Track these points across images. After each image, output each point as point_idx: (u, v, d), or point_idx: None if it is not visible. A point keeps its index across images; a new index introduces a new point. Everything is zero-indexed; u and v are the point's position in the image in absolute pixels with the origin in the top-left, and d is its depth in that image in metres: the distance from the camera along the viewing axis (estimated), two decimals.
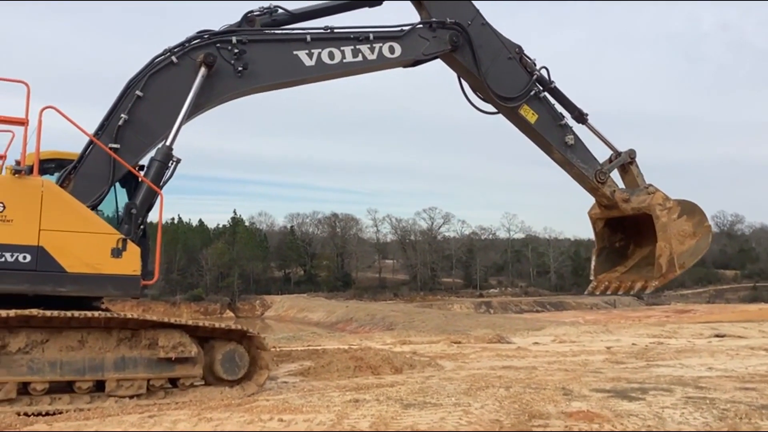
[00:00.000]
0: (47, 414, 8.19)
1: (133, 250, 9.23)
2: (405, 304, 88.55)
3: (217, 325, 9.85)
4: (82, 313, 8.62)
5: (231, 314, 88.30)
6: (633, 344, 19.66)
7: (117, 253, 9.06)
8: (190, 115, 10.20)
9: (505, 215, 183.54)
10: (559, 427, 7.64)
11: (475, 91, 12.80)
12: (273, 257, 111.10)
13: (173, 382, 9.39)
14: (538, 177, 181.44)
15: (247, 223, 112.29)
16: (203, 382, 9.65)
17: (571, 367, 14.03)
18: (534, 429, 7.48)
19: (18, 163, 9.49)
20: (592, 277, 14.00)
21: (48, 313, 8.42)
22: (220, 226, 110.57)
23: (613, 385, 10.82)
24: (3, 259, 8.47)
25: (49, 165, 9.79)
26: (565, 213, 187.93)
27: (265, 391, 9.66)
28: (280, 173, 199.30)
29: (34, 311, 8.36)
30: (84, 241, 8.91)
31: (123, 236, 9.21)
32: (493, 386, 10.32)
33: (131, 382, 8.89)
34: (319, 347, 16.33)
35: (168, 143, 10.01)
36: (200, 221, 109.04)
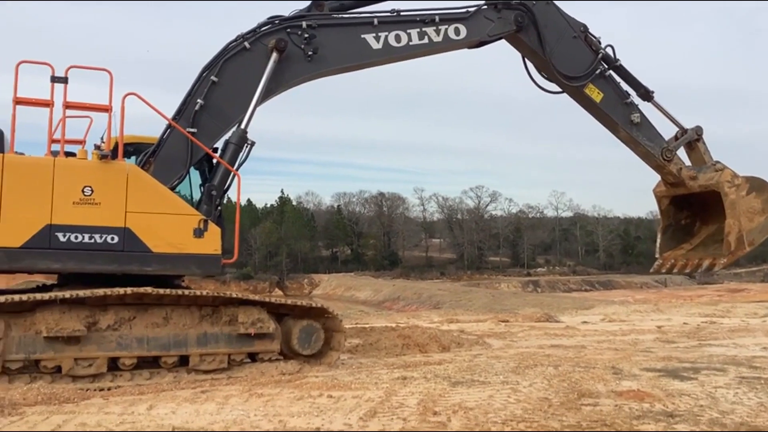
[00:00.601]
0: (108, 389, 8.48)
1: (214, 230, 9.55)
2: (452, 283, 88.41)
3: (298, 302, 10.21)
4: (192, 291, 9.23)
5: (279, 293, 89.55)
6: (684, 323, 19.35)
7: (199, 233, 9.41)
8: (262, 99, 10.43)
9: (552, 193, 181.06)
10: (609, 406, 7.57)
11: (539, 71, 12.69)
12: (320, 236, 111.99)
13: (252, 356, 9.71)
14: (587, 154, 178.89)
15: (294, 203, 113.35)
16: (281, 357, 9.94)
17: (621, 346, 13.88)
18: (584, 407, 7.43)
19: (98, 146, 9.90)
20: (657, 255, 13.79)
21: (164, 291, 8.95)
22: (268, 205, 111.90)
23: (664, 364, 10.66)
24: (93, 241, 8.84)
25: (127, 149, 10.07)
26: (615, 191, 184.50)
27: (315, 368, 9.78)
28: (327, 153, 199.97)
29: (149, 289, 8.84)
30: (167, 222, 9.27)
31: (204, 217, 9.53)
32: (542, 365, 10.28)
33: (213, 356, 9.24)
34: (366, 325, 16.49)
35: (243, 127, 10.28)
36: (248, 201, 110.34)
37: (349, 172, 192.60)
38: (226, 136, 10.44)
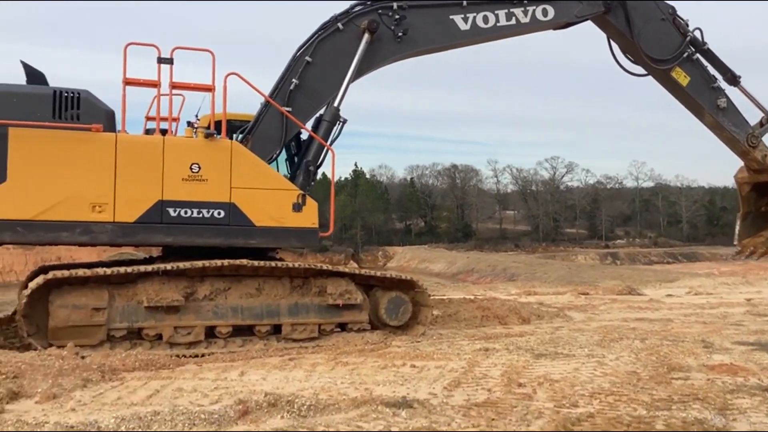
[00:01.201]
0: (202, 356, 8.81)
1: (312, 205, 9.85)
2: (526, 255, 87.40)
3: (387, 274, 10.40)
4: (285, 263, 9.57)
5: (354, 265, 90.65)
6: None
7: (297, 207, 9.71)
8: (353, 79, 10.62)
9: (632, 163, 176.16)
10: (701, 379, 7.38)
11: (625, 53, 12.35)
12: (394, 209, 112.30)
13: (342, 326, 9.98)
14: (669, 123, 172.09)
15: (368, 176, 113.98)
16: (370, 327, 10.16)
17: (710, 319, 13.45)
18: (674, 381, 7.26)
19: (190, 123, 10.18)
20: (736, 242, 13.42)
21: (259, 263, 9.33)
22: (342, 179, 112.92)
23: (756, 338, 10.31)
24: (201, 215, 9.26)
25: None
26: (699, 160, 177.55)
27: (397, 338, 9.88)
28: (399, 126, 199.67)
29: (245, 261, 9.23)
30: (269, 197, 9.61)
31: (302, 192, 9.83)
32: (628, 338, 10.09)
33: (304, 326, 9.55)
34: (444, 297, 16.47)
35: (335, 105, 10.55)
36: (323, 174, 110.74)
37: (421, 145, 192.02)
38: (319, 114, 10.68)
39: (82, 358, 7.92)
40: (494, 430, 5.45)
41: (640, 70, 12.36)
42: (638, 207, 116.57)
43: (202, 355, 8.79)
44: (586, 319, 13.28)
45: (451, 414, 5.86)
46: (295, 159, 10.96)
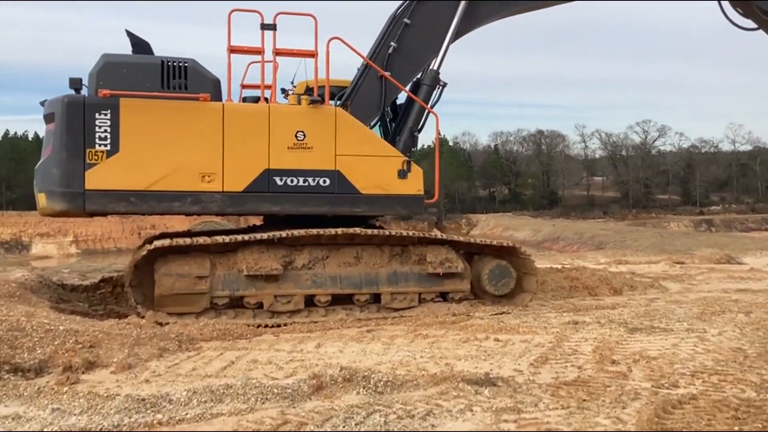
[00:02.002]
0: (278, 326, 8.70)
1: (417, 171, 9.68)
2: (615, 223, 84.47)
3: (489, 241, 10.11)
4: (383, 231, 9.43)
5: (438, 232, 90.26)
6: None
7: (403, 174, 9.54)
8: (452, 40, 10.31)
9: (729, 126, 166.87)
10: None
11: (735, 6, 11.39)
12: (477, 176, 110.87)
13: (443, 295, 9.73)
14: (766, 81, 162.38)
15: (450, 144, 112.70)
16: (473, 296, 9.94)
17: None
18: None
19: (284, 90, 10.20)
20: None
21: (372, 231, 9.29)
22: (425, 146, 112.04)
23: None
24: (306, 184, 9.17)
25: (319, 93, 10.07)
26: None
27: (479, 309, 9.48)
28: (482, 92, 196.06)
29: (357, 230, 9.16)
30: (374, 164, 9.46)
31: (407, 158, 9.64)
32: (730, 311, 9.35)
33: (404, 295, 9.37)
34: None
35: (435, 68, 10.27)
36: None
37: (505, 111, 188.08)
38: (417, 78, 10.42)
39: (162, 325, 7.92)
40: (586, 411, 5.01)
41: (750, 23, 11.37)
42: (735, 172, 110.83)
43: (283, 325, 8.70)
44: (683, 290, 12.48)
45: (539, 393, 5.45)
46: (389, 125, 10.69)
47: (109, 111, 8.54)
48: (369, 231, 9.25)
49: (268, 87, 9.69)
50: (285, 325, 8.67)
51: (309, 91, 10.08)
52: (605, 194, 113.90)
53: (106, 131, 8.54)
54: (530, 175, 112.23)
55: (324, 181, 9.23)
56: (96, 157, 8.53)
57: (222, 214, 9.46)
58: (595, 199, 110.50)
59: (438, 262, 9.40)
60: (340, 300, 9.31)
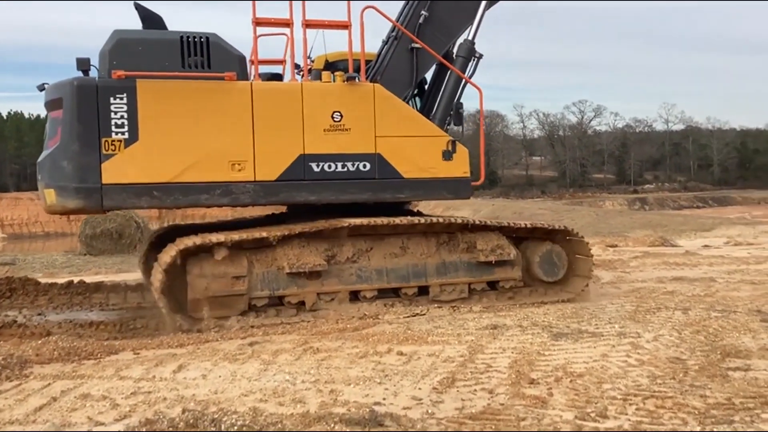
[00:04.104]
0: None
1: (462, 152, 9.06)
2: (553, 202, 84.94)
3: (538, 224, 9.47)
4: (429, 218, 8.75)
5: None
6: None
7: (448, 155, 8.94)
8: (488, 8, 9.66)
9: (662, 106, 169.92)
10: (764, 369, 5.75)
11: None
12: None
13: (492, 285, 9.15)
14: (700, 63, 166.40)
15: None
16: (522, 284, 9.32)
17: (758, 278, 11.74)
18: (731, 374, 5.63)
19: (297, 66, 9.46)
20: None
21: (416, 219, 8.60)
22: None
23: None
24: (345, 169, 8.49)
25: (338, 66, 9.30)
26: (732, 101, 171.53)
27: (390, 312, 8.30)
28: None
29: (417, 219, 8.58)
30: (417, 146, 8.82)
31: (452, 138, 9.01)
32: (667, 307, 8.42)
33: (453, 286, 8.78)
34: None
35: (470, 38, 9.55)
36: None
37: None
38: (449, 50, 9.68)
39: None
40: None
41: None
42: (668, 151, 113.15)
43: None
44: (616, 280, 11.62)
45: None
46: (416, 100, 9.91)
47: (125, 94, 7.72)
48: (433, 219, 8.64)
49: (281, 62, 9.03)
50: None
51: (329, 65, 9.44)
52: (543, 174, 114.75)
53: (122, 117, 7.74)
54: (470, 155, 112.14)
55: (364, 166, 8.54)
56: (113, 147, 7.73)
57: (255, 205, 8.58)
58: (533, 179, 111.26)
59: (489, 250, 8.77)
60: (385, 293, 8.65)
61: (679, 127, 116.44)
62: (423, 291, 8.72)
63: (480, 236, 8.86)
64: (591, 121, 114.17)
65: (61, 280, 11.66)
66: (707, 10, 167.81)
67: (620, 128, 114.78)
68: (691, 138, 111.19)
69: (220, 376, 5.64)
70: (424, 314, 8.28)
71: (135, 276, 12.84)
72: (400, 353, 6.32)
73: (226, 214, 14.09)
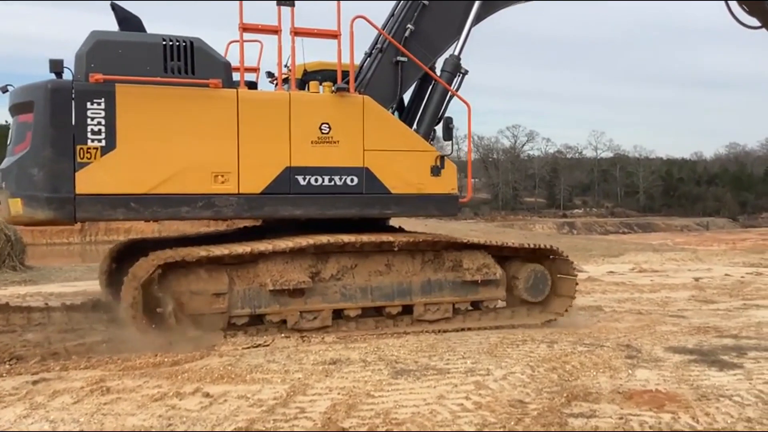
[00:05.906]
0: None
1: (450, 168, 8.81)
2: (485, 224, 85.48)
3: (524, 244, 9.30)
4: (416, 235, 8.55)
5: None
6: (726, 275, 16.65)
7: (436, 171, 8.67)
8: (474, 24, 9.40)
9: (592, 133, 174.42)
10: (610, 418, 5.14)
11: (741, 4, 10.72)
12: None
13: (475, 305, 8.99)
14: (628, 93, 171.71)
15: None
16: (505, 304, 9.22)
17: (647, 307, 11.39)
18: (571, 421, 4.99)
19: (270, 74, 9.44)
20: None
21: (422, 237, 8.47)
22: None
23: (698, 339, 8.15)
24: (332, 183, 8.21)
25: (315, 77, 9.05)
26: (658, 131, 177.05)
27: (229, 342, 7.44)
28: None
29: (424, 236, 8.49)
30: (405, 160, 8.56)
31: (441, 154, 8.77)
32: (533, 339, 7.81)
33: (437, 305, 8.58)
34: None
35: (456, 53, 9.32)
36: None
37: None
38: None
39: None
40: None
41: (754, 22, 10.84)
42: (597, 177, 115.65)
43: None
44: None
45: None
46: (395, 114, 9.47)
47: (103, 99, 7.30)
48: (450, 238, 8.59)
49: (254, 70, 8.79)
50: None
51: (307, 75, 9.25)
52: (477, 195, 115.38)
53: (99, 124, 7.30)
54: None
55: (351, 180, 8.27)
56: (88, 155, 7.28)
57: (238, 219, 8.35)
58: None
59: (475, 269, 8.60)
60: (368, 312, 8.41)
61: (608, 154, 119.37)
62: (407, 310, 8.49)
63: (466, 254, 8.68)
64: (524, 145, 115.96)
65: None
66: (636, 44, 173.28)
67: (551, 153, 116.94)
68: (618, 165, 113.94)
69: None
70: (267, 345, 7.46)
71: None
72: (207, 395, 5.48)
73: (185, 228, 13.34)
